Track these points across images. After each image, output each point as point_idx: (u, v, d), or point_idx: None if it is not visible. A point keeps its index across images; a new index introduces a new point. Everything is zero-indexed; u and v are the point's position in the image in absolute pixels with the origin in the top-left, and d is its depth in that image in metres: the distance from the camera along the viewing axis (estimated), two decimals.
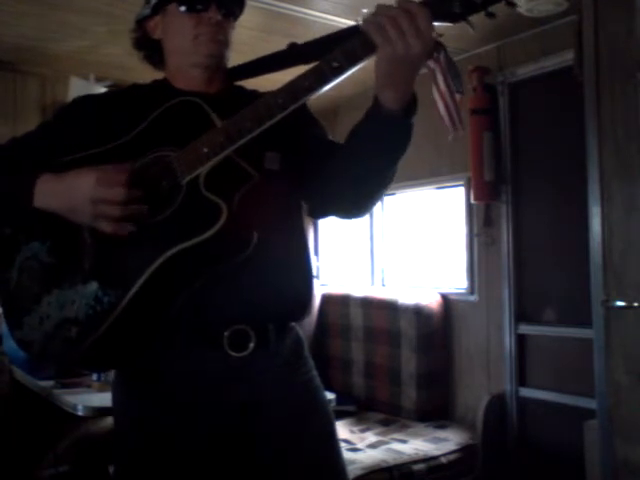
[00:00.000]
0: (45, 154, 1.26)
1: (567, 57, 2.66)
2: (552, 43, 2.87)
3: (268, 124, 1.10)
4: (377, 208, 3.97)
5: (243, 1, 1.35)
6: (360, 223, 4.02)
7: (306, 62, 1.17)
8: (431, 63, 2.88)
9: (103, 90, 3.34)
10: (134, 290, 1.11)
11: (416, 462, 2.78)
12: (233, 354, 1.22)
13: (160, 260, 1.10)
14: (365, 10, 1.06)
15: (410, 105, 1.10)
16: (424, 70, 2.75)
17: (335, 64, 1.06)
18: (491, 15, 1.05)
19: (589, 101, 2.13)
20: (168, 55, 1.34)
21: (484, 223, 3.22)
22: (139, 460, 1.26)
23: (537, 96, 3.04)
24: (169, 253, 1.10)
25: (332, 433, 1.36)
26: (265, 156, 1.25)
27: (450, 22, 1.07)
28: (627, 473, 2.02)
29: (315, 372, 1.38)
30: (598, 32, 2.10)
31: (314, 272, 1.38)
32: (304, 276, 1.35)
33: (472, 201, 3.17)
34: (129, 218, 1.13)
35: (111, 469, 2.63)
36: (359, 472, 2.60)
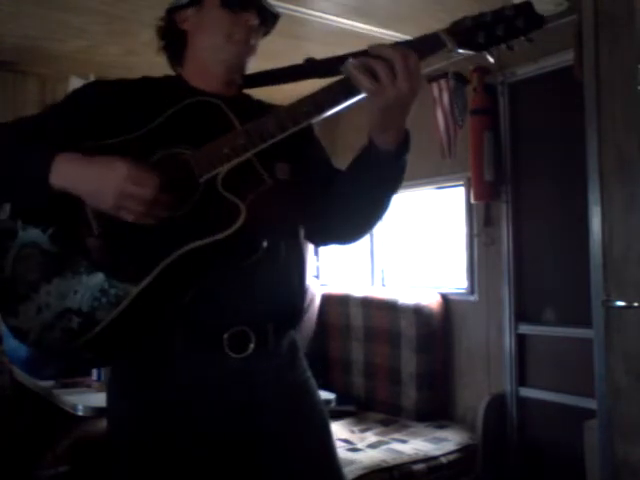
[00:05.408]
0: (58, 135, 1.21)
1: (567, 57, 2.66)
2: (552, 43, 2.86)
3: (291, 130, 1.13)
4: None
5: (277, 18, 1.39)
6: None
7: (321, 76, 1.21)
8: (436, 89, 2.98)
9: None
10: (144, 284, 1.11)
11: (416, 462, 2.78)
12: (233, 355, 1.22)
13: (173, 256, 1.11)
14: (351, 60, 1.09)
15: (403, 143, 1.15)
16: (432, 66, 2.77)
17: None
18: (510, 48, 1.17)
19: (589, 101, 2.13)
20: (194, 50, 1.32)
21: (484, 223, 3.22)
22: (137, 462, 1.25)
23: (537, 96, 3.04)
24: (183, 250, 1.11)
25: (328, 432, 1.38)
26: (276, 166, 1.27)
27: (473, 51, 1.18)
28: (627, 473, 2.02)
29: (310, 373, 1.39)
30: (598, 32, 2.10)
31: (309, 277, 1.41)
32: (300, 281, 1.37)
33: (472, 201, 3.17)
34: (151, 216, 1.12)
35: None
36: (359, 472, 2.59)
